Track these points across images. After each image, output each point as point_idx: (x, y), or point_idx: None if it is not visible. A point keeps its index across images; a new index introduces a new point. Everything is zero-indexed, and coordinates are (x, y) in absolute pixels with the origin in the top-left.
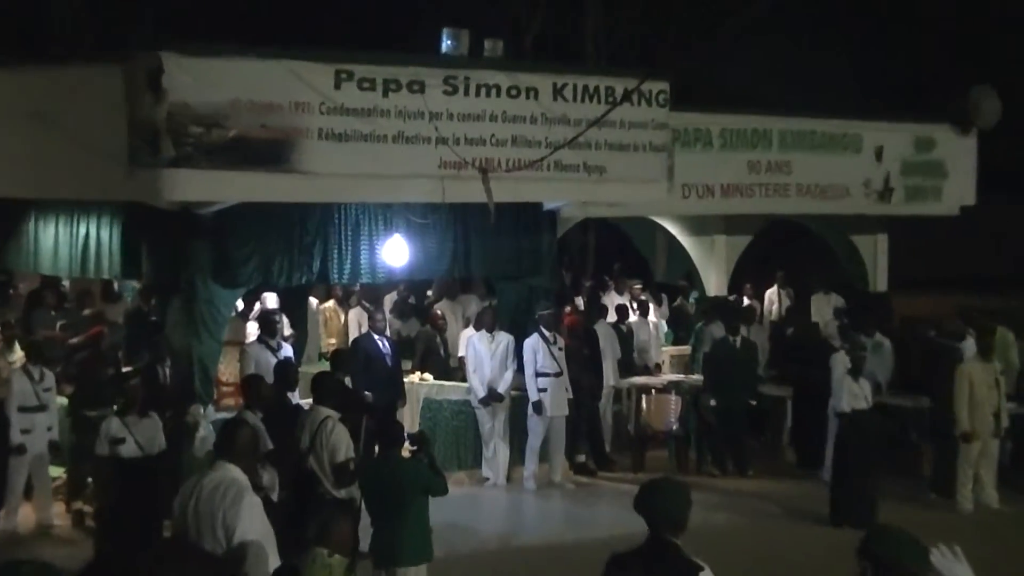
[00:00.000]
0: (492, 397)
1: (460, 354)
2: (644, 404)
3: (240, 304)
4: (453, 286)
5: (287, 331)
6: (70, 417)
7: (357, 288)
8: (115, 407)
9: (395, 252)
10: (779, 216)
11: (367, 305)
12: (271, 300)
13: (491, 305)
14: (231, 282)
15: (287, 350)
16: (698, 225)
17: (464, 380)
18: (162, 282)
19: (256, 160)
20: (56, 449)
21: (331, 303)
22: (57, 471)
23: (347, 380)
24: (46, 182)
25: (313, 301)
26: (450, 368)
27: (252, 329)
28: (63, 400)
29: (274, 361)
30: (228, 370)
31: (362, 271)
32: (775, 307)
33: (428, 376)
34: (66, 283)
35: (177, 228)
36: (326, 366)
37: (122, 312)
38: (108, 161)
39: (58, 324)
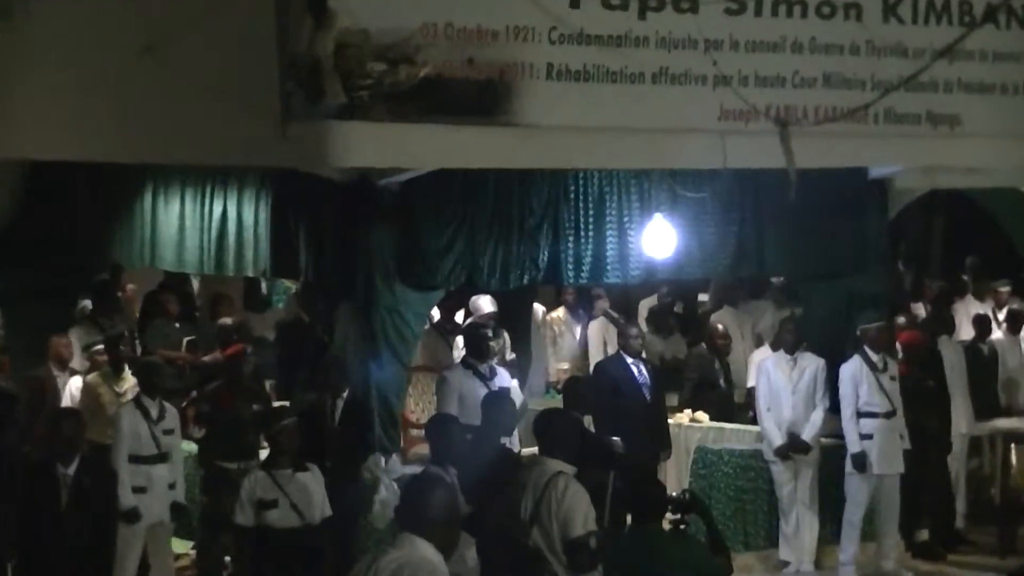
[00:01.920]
0: (794, 447)
1: (749, 385)
2: (1015, 459)
3: (437, 313)
4: (738, 290)
5: (506, 352)
6: (201, 471)
7: (602, 292)
8: (262, 458)
9: (656, 240)
10: None
11: (615, 315)
12: (483, 307)
13: (792, 316)
14: (425, 282)
15: (503, 378)
16: None
17: (754, 422)
18: (328, 282)
19: (460, 109)
20: (182, 514)
21: (563, 312)
22: (183, 545)
23: (587, 421)
24: (166, 144)
25: (539, 310)
26: (734, 405)
27: (455, 349)
28: (191, 447)
29: (483, 393)
30: (421, 405)
31: (608, 268)
32: None
33: (702, 416)
34: (195, 283)
35: (349, 206)
36: (558, 401)
37: (272, 324)
38: (252, 113)
39: (184, 340)
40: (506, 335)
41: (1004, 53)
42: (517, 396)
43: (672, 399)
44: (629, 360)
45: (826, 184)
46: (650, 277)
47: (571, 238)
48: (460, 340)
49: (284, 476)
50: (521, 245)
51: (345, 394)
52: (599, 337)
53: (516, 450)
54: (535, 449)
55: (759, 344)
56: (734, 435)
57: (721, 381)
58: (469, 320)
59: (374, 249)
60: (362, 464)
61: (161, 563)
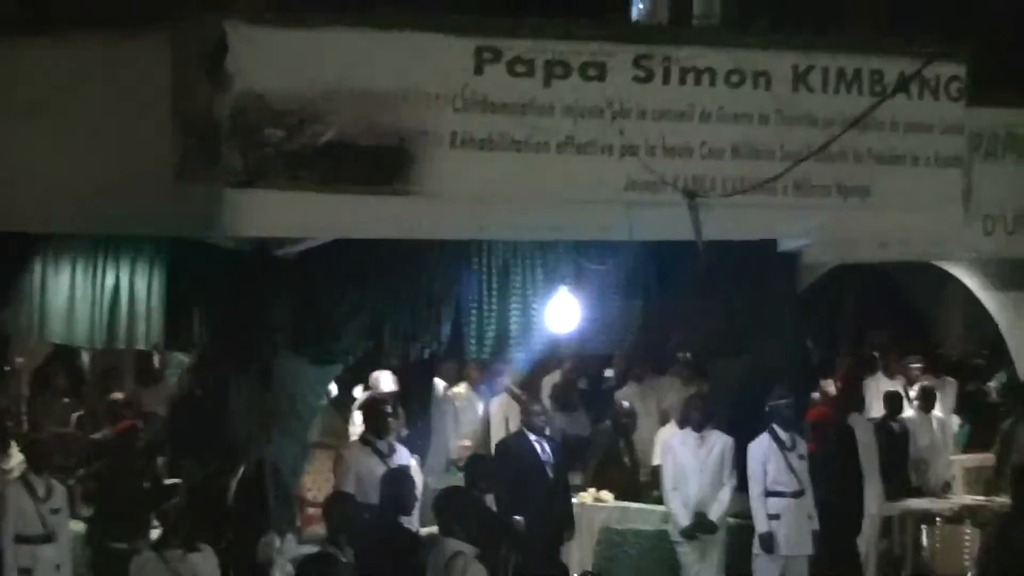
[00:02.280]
0: (701, 526)
1: (655, 463)
2: (926, 540)
3: (334, 388)
4: (644, 365)
5: (402, 428)
6: (89, 551)
7: (504, 367)
8: (153, 537)
9: (560, 314)
10: None
11: (518, 391)
12: (383, 382)
13: (699, 392)
14: (323, 355)
15: (402, 455)
16: (1008, 275)
17: (660, 501)
18: (223, 355)
19: (360, 177)
20: None
21: (465, 387)
22: None
23: (488, 499)
24: (56, 210)
25: (440, 385)
26: (639, 484)
27: (352, 424)
28: (79, 526)
29: (382, 471)
30: (318, 483)
31: (512, 341)
32: None
33: (607, 495)
34: (85, 356)
35: (245, 276)
36: (459, 479)
37: (164, 398)
38: (146, 178)
39: (73, 416)
40: (400, 410)
41: (915, 123)
42: (416, 474)
43: (576, 477)
44: (532, 437)
45: (734, 257)
46: (554, 351)
47: (474, 311)
48: (358, 416)
49: (175, 556)
50: (423, 317)
51: (240, 471)
52: (501, 414)
53: (415, 530)
54: (435, 528)
55: (665, 421)
56: (639, 515)
57: (626, 459)
58: (367, 395)
59: (270, 321)
60: (257, 544)
61: None
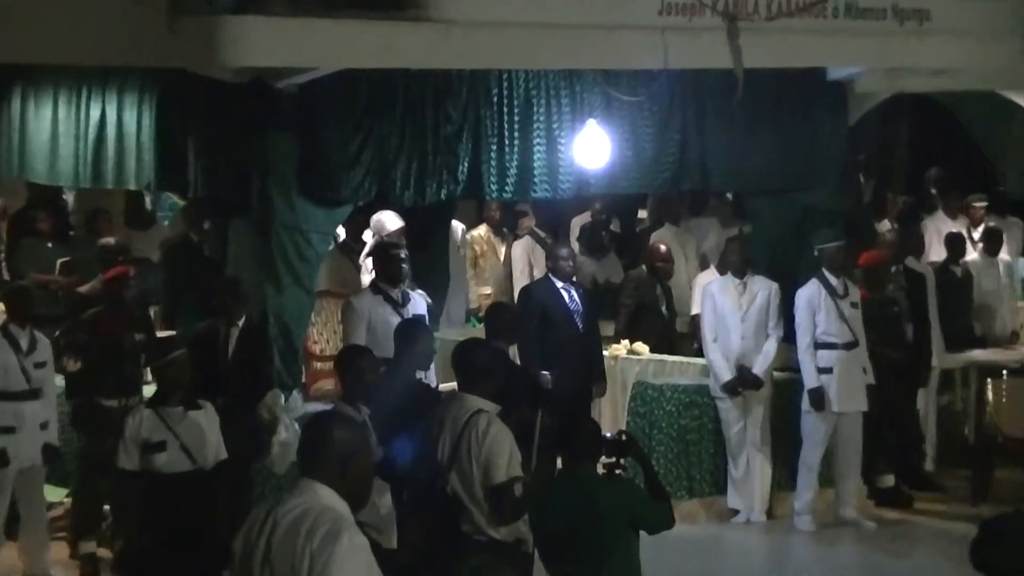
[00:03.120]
0: (744, 381)
1: (693, 312)
2: (990, 394)
3: (343, 232)
4: (681, 205)
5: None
6: (77, 409)
7: (528, 208)
8: (147, 394)
9: (589, 150)
10: None
11: (543, 234)
12: (388, 223)
13: (741, 235)
14: (329, 196)
15: (417, 304)
16: None
17: (699, 353)
18: (220, 197)
19: (368, 2)
20: (56, 457)
21: (485, 230)
22: (58, 493)
23: (511, 352)
24: (40, 40)
25: (458, 228)
26: (676, 334)
27: (363, 272)
28: (65, 383)
29: (396, 322)
30: (326, 335)
31: (535, 181)
32: None
33: (641, 347)
34: (70, 198)
35: (244, 111)
36: (479, 331)
37: (157, 244)
38: (136, 6)
39: (58, 262)
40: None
41: None
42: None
43: (607, 328)
44: (559, 284)
45: (778, 87)
46: (582, 191)
47: (494, 148)
48: (368, 262)
49: (173, 415)
50: (438, 155)
51: (240, 322)
52: (525, 259)
53: (433, 385)
54: (454, 384)
55: (704, 266)
56: (677, 368)
57: (662, 308)
58: (377, 239)
59: (272, 159)
60: (260, 401)
61: (33, 512)
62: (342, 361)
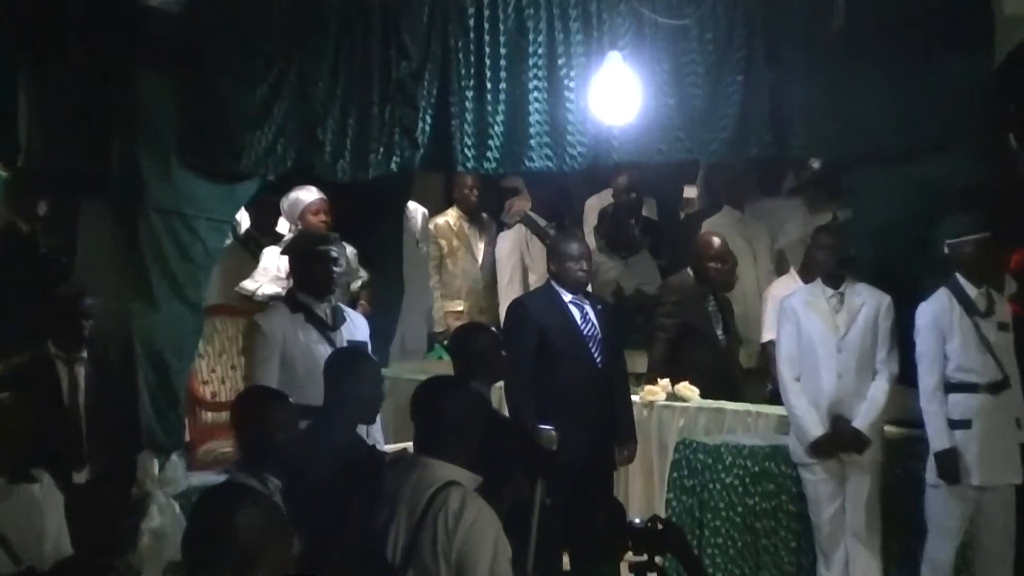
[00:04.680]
0: (841, 440)
1: (765, 338)
2: None
3: (245, 220)
4: (745, 181)
5: (358, 279)
6: None
7: (520, 184)
8: None
9: (609, 98)
10: None
11: (541, 222)
12: (304, 199)
13: (835, 223)
14: (225, 167)
15: (356, 326)
16: None
17: (774, 400)
18: (63, 167)
19: None
20: None
21: (456, 217)
22: None
23: (496, 398)
24: None
25: (417, 214)
26: (738, 371)
27: (273, 275)
28: None
29: (325, 352)
30: (220, 372)
31: (531, 145)
32: None
33: (688, 389)
34: None
35: (100, 41)
36: (448, 366)
37: None
38: None
39: None
40: (350, 251)
41: None
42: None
43: (638, 361)
44: (566, 296)
45: (888, 8)
46: (601, 160)
47: (469, 97)
48: (283, 263)
49: None
50: (387, 108)
51: (91, 354)
52: (515, 259)
53: (381, 446)
54: (410, 444)
55: (781, 270)
56: (740, 421)
57: (718, 331)
58: (296, 229)
59: (141, 113)
60: (125, 469)
61: None
62: (244, 409)
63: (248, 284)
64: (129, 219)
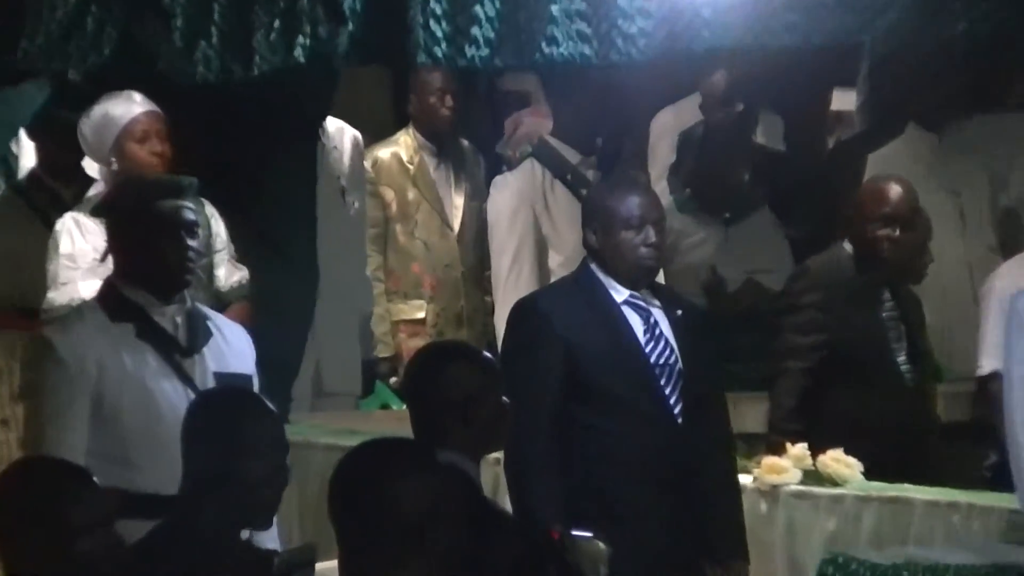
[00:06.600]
0: None
1: (985, 368)
2: None
3: (29, 151)
4: (937, 86)
5: (234, 269)
6: None
7: (529, 89)
8: None
9: None
10: None
11: (571, 157)
12: (126, 111)
13: None
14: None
15: (230, 346)
16: None
17: (1001, 482)
18: None
19: None
20: None
21: (413, 148)
22: None
23: (491, 476)
24: None
25: (343, 138)
26: (935, 428)
27: (91, 262)
28: None
29: (175, 393)
30: None
31: (553, 18)
32: None
33: (844, 463)
34: None
35: None
36: (402, 419)
37: None
38: None
39: None
40: (212, 212)
41: None
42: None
43: (749, 411)
44: (618, 294)
45: None
46: (680, 46)
47: None
48: (96, 234)
49: None
50: None
51: None
52: (523, 222)
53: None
54: (332, 564)
55: (1011, 245)
56: (938, 521)
57: (899, 355)
58: (112, 167)
59: None
60: None
61: None
62: (13, 501)
63: (56, 296)
64: None
